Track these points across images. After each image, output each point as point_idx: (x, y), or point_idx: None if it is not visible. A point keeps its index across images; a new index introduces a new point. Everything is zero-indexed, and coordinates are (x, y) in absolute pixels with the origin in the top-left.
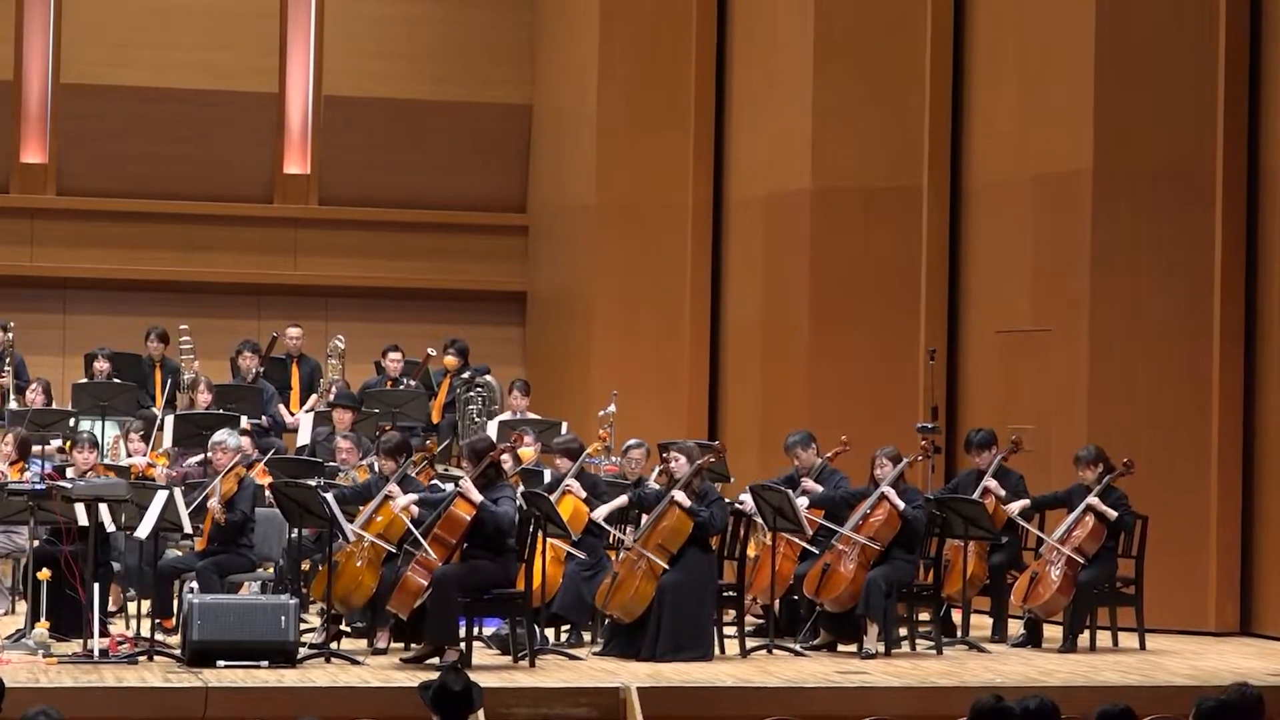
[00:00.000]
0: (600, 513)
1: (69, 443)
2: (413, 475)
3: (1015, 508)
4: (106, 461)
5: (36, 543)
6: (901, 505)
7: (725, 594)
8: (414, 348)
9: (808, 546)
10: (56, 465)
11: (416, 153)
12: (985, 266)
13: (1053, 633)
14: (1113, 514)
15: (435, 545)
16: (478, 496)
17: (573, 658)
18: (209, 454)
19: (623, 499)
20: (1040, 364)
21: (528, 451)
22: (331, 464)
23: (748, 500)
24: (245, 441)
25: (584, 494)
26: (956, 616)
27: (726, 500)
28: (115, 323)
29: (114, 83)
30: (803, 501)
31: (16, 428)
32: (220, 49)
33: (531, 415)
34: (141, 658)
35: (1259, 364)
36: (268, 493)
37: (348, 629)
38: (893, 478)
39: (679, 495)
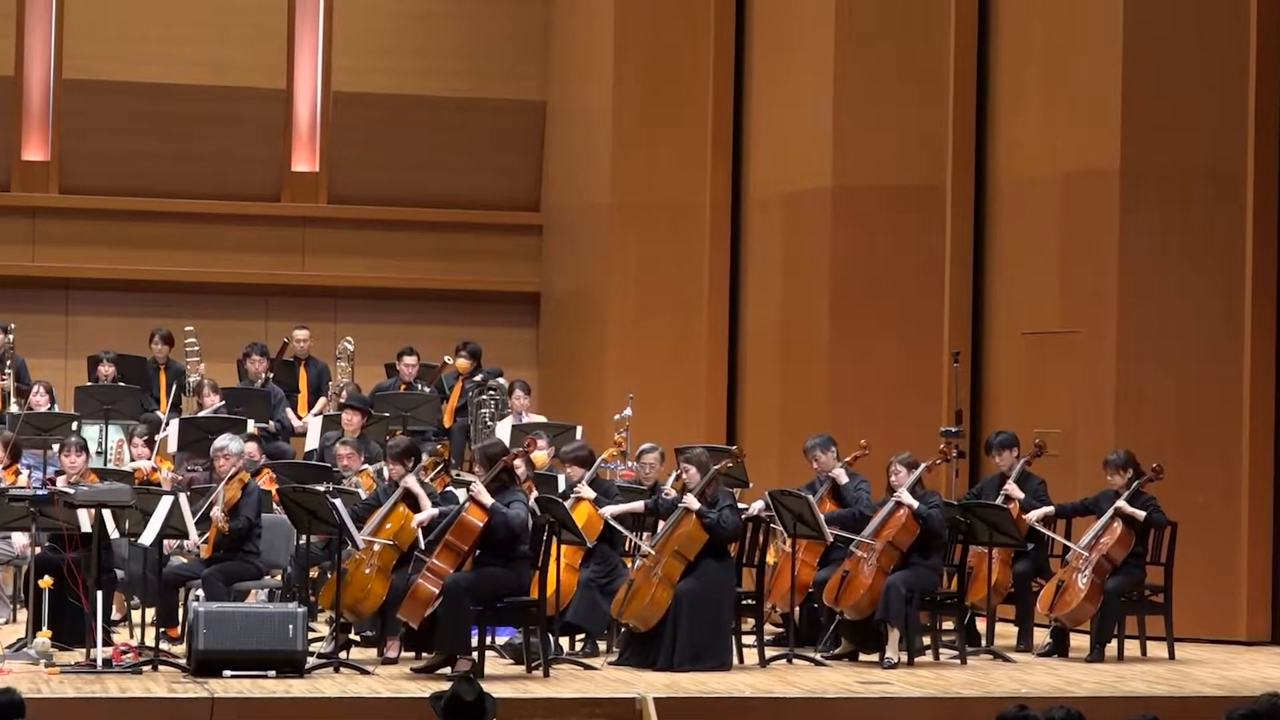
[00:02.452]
0: (610, 510)
1: (59, 447)
2: (427, 481)
3: (1035, 516)
4: (110, 466)
5: (38, 550)
6: (915, 504)
7: (744, 602)
8: (425, 350)
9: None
10: (59, 470)
11: (427, 150)
12: (1011, 267)
13: (1080, 642)
14: (1140, 514)
15: (447, 552)
16: (489, 500)
17: (588, 667)
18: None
19: (638, 504)
20: (1067, 366)
21: (540, 456)
22: (338, 469)
23: (757, 505)
24: (251, 446)
25: (593, 495)
26: (981, 625)
27: (741, 506)
28: (119, 324)
29: (117, 78)
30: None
31: (6, 430)
32: (226, 44)
33: (536, 417)
34: (146, 667)
35: None
36: (275, 501)
37: (357, 638)
38: (910, 482)
39: (689, 499)
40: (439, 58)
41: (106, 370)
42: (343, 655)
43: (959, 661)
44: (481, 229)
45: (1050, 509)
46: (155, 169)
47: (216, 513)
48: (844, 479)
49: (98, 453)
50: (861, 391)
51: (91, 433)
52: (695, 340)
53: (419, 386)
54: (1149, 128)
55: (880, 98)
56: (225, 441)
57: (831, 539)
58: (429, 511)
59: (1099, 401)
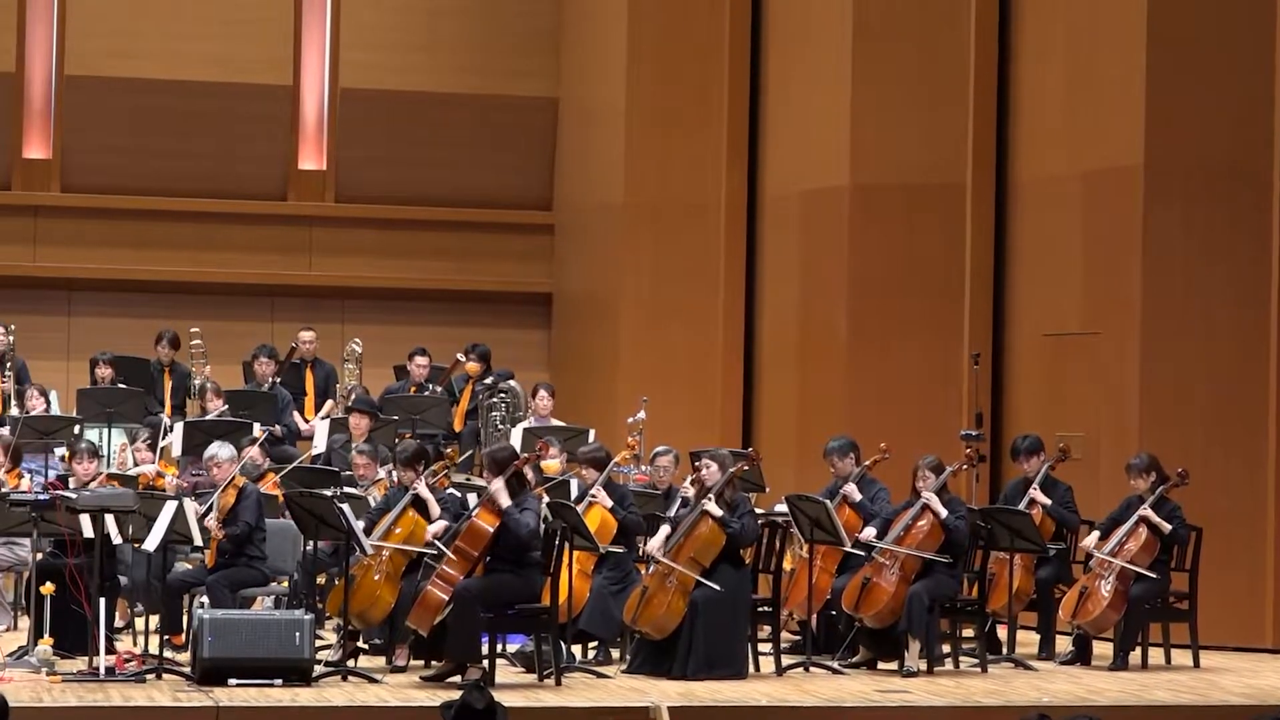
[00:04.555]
0: (655, 544)
1: (69, 452)
2: (433, 484)
3: (1090, 541)
4: (113, 470)
5: (40, 555)
6: (944, 513)
7: (760, 609)
8: (435, 351)
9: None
10: (60, 474)
11: (437, 148)
12: (1032, 266)
13: (1103, 650)
14: (1167, 526)
15: (457, 558)
16: (506, 501)
17: (600, 676)
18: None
19: (665, 528)
20: (1089, 368)
21: (553, 464)
22: (348, 473)
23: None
24: (253, 450)
25: (609, 503)
26: (1002, 633)
27: (760, 511)
28: (122, 325)
29: (121, 74)
30: (869, 532)
31: (6, 434)
32: (232, 39)
33: (556, 421)
34: (149, 676)
35: None
36: (281, 503)
37: (365, 646)
38: (936, 487)
39: (709, 504)
40: (449, 54)
41: (104, 372)
42: (350, 663)
43: (980, 670)
44: (492, 228)
45: (1097, 533)
46: (159, 167)
47: (210, 522)
48: (856, 496)
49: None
50: (880, 394)
51: (93, 436)
52: (710, 342)
53: (430, 388)
54: (1173, 123)
55: (899, 94)
56: (215, 450)
57: (849, 545)
58: (440, 523)
59: (1122, 404)
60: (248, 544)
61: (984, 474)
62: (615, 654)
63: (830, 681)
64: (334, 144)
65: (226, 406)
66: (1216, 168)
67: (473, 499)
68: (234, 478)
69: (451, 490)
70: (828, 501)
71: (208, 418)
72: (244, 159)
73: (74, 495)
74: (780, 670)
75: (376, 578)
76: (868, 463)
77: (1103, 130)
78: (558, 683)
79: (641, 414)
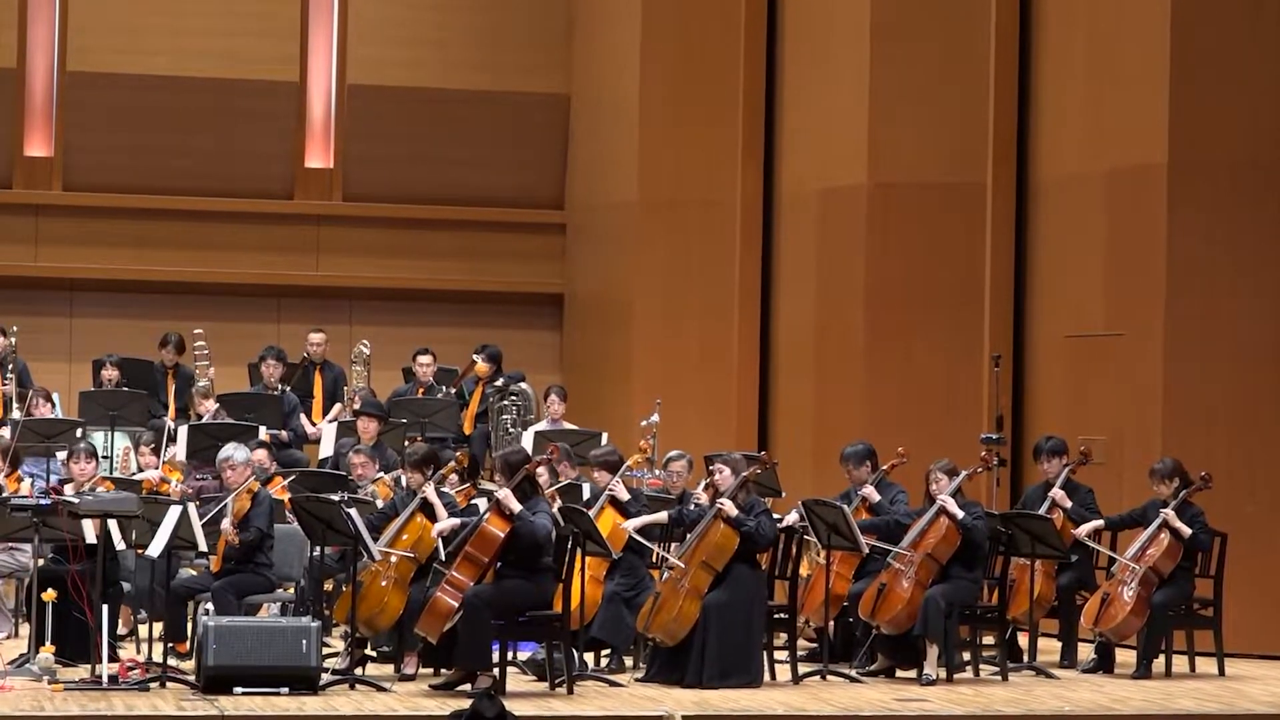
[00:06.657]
0: (634, 523)
1: (68, 454)
2: (446, 491)
3: (1085, 530)
4: (116, 474)
5: (41, 561)
6: (960, 514)
7: (776, 615)
8: (444, 353)
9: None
10: (62, 479)
11: (446, 146)
12: (1054, 267)
13: (1126, 657)
14: (1187, 531)
15: (467, 564)
16: (516, 506)
17: (614, 684)
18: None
19: (661, 515)
20: (1112, 371)
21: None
22: (353, 479)
23: (792, 516)
24: (261, 454)
25: (626, 496)
26: (1023, 640)
27: (776, 516)
28: (124, 326)
29: (124, 71)
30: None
31: (6, 437)
32: (238, 35)
33: (568, 425)
34: (153, 684)
35: None
36: (288, 510)
37: (373, 653)
38: (952, 489)
39: (725, 503)
40: (459, 49)
41: (110, 374)
42: (358, 671)
43: (1000, 678)
44: (503, 227)
45: (1100, 522)
46: (163, 165)
47: (226, 526)
48: (875, 497)
49: (104, 456)
50: (899, 397)
51: (96, 439)
52: (725, 343)
53: (444, 390)
54: (1198, 121)
55: (918, 90)
56: (230, 451)
57: (867, 550)
58: (449, 521)
59: (1145, 407)
60: (256, 550)
61: (1004, 479)
62: (629, 662)
63: (847, 690)
64: (342, 142)
65: (218, 405)
66: (1242, 166)
67: (482, 504)
68: (249, 482)
69: (474, 502)
70: (844, 506)
71: (205, 420)
72: (250, 157)
73: (76, 500)
74: (797, 678)
75: (384, 584)
76: (886, 467)
77: (1126, 128)
78: (570, 691)
79: (655, 417)
